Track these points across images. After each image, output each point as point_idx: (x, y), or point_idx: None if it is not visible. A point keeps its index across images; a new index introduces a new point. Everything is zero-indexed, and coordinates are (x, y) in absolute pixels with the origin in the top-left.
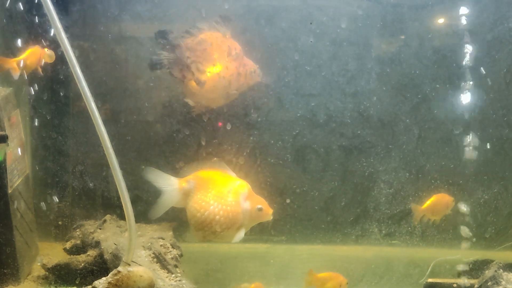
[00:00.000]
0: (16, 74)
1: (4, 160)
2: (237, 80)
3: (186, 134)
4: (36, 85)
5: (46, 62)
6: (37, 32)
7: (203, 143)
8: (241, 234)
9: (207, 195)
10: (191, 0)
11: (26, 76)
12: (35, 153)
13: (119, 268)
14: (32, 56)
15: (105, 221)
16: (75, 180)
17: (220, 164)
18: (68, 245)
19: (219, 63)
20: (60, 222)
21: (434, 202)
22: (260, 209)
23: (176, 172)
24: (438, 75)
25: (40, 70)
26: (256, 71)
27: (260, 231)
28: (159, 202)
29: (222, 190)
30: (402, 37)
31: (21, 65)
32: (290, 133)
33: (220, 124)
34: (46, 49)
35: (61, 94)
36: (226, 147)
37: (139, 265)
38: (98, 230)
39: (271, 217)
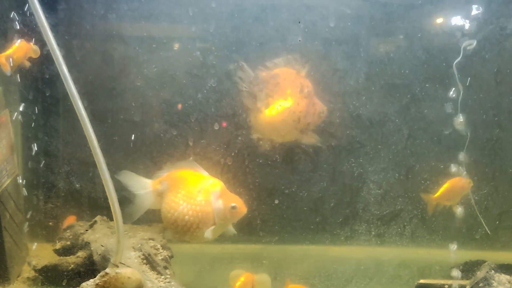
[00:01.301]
0: (7, 70)
1: None
2: (306, 118)
3: (174, 134)
4: (25, 84)
5: (31, 57)
6: (23, 28)
7: (191, 143)
8: (209, 232)
9: (177, 195)
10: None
11: (12, 71)
12: (25, 154)
13: (107, 270)
14: (18, 50)
15: (95, 222)
16: (64, 181)
17: (192, 163)
18: (58, 246)
19: (291, 98)
20: (50, 223)
21: (447, 189)
22: (234, 207)
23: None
24: (428, 75)
25: (26, 64)
26: (325, 112)
27: (249, 232)
28: (134, 206)
29: (191, 190)
30: (392, 36)
31: (10, 60)
32: None
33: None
34: (31, 44)
35: (48, 93)
36: (214, 147)
37: (128, 266)
38: (88, 231)
39: (244, 214)
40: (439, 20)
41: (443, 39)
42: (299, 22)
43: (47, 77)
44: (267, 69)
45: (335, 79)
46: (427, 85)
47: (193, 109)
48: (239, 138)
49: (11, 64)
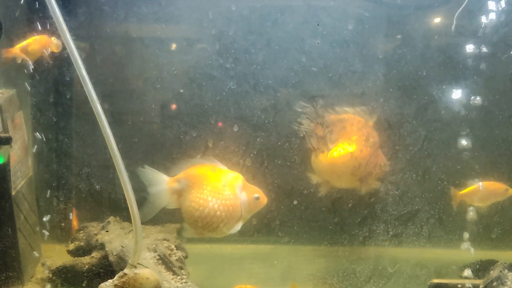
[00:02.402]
0: (19, 58)
1: (8, 162)
2: (366, 167)
3: (193, 136)
4: (39, 86)
5: (52, 51)
6: (44, 23)
7: (210, 145)
8: (238, 225)
9: (203, 191)
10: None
11: (29, 63)
12: (38, 155)
13: (125, 271)
14: (35, 43)
15: (108, 222)
16: (79, 182)
17: (209, 158)
18: (71, 246)
19: (355, 145)
20: (63, 224)
21: (476, 189)
22: (257, 198)
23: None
24: (444, 76)
25: (48, 59)
26: (386, 166)
27: (267, 233)
28: (149, 204)
29: (217, 185)
30: (406, 38)
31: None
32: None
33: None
34: (53, 38)
35: (66, 95)
36: (233, 149)
37: (145, 267)
38: (102, 232)
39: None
40: (453, 22)
41: (459, 41)
42: (318, 25)
43: (67, 79)
44: (336, 112)
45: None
46: (443, 86)
47: (212, 111)
48: (258, 139)
49: (27, 56)
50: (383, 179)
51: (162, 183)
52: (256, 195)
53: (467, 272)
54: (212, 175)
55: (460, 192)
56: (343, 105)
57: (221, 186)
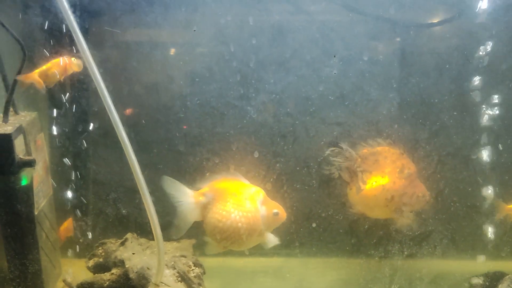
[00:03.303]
0: (41, 87)
1: (31, 183)
2: (401, 198)
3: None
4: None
5: (75, 71)
6: (63, 43)
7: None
8: (271, 238)
9: (226, 204)
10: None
11: (48, 87)
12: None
13: None
14: (54, 66)
15: (126, 239)
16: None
17: (233, 173)
18: (91, 263)
19: (388, 177)
20: (81, 240)
21: None
22: (276, 214)
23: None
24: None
25: (66, 81)
26: (426, 197)
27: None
28: (179, 220)
29: (240, 198)
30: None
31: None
32: (315, 159)
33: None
34: (73, 58)
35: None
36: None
37: (168, 286)
38: (121, 249)
39: (284, 219)
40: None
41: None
42: (335, 56)
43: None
44: (369, 146)
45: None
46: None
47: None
48: (278, 164)
49: (45, 82)
50: (424, 211)
51: (188, 197)
52: (275, 210)
53: (475, 281)
54: (235, 189)
55: (508, 206)
56: (376, 138)
57: (243, 199)
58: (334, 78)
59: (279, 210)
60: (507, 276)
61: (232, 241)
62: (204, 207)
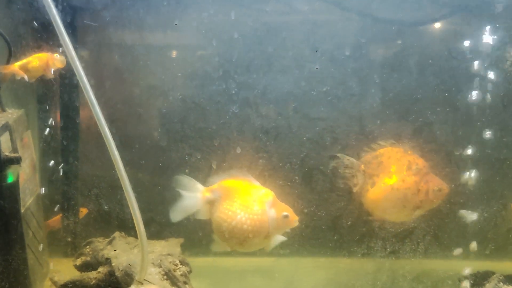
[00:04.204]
0: (21, 76)
1: (17, 181)
2: (415, 195)
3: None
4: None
5: (57, 67)
6: (47, 39)
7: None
8: (275, 240)
9: (233, 204)
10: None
11: (29, 80)
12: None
13: (132, 287)
14: (36, 60)
15: (114, 238)
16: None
17: (244, 173)
18: (78, 261)
19: (396, 176)
20: (69, 239)
21: None
22: (286, 216)
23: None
24: (438, 99)
25: (51, 75)
26: (443, 190)
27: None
28: (179, 205)
29: (247, 199)
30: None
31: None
32: (298, 155)
33: None
34: (56, 55)
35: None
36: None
37: (152, 283)
38: (108, 247)
39: (297, 224)
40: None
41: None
42: (316, 51)
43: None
44: (372, 150)
45: None
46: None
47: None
48: (261, 160)
49: (28, 74)
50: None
51: (197, 191)
52: (285, 213)
53: (465, 283)
54: (244, 189)
55: None
56: (378, 141)
57: (251, 200)
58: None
59: (289, 213)
60: (495, 275)
61: (237, 241)
62: (211, 204)
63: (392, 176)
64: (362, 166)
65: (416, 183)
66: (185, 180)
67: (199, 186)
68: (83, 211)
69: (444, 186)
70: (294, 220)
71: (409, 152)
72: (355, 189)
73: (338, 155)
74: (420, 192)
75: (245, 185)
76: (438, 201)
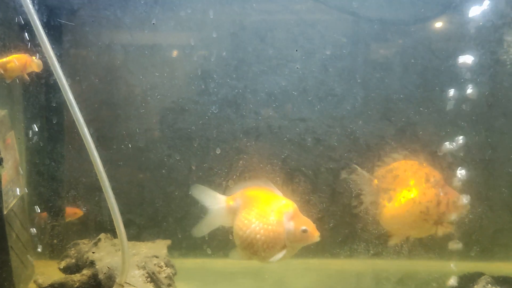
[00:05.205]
0: None
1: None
2: (436, 208)
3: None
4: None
5: (33, 71)
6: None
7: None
8: (280, 254)
9: (250, 213)
10: None
11: (6, 80)
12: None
13: None
14: (13, 61)
15: (99, 240)
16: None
17: (267, 182)
18: (63, 264)
19: (416, 189)
20: (54, 241)
21: None
22: (304, 231)
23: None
24: (422, 98)
25: (26, 77)
26: (459, 201)
27: None
28: (206, 221)
29: (265, 209)
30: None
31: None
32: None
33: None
34: (34, 58)
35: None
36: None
37: (133, 286)
38: (93, 249)
39: (318, 239)
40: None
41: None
42: (296, 50)
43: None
44: (385, 164)
45: None
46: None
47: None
48: (241, 162)
49: (4, 74)
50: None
51: (221, 202)
52: (304, 227)
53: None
54: (264, 199)
55: None
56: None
57: (269, 210)
58: None
59: (309, 228)
60: (483, 277)
61: (252, 251)
62: (234, 213)
63: (412, 189)
64: (376, 181)
65: (437, 195)
66: (205, 191)
67: (220, 196)
68: (78, 213)
69: (460, 198)
70: (315, 235)
71: (424, 164)
72: (370, 206)
73: (356, 167)
74: (440, 204)
75: (266, 195)
76: (458, 213)
